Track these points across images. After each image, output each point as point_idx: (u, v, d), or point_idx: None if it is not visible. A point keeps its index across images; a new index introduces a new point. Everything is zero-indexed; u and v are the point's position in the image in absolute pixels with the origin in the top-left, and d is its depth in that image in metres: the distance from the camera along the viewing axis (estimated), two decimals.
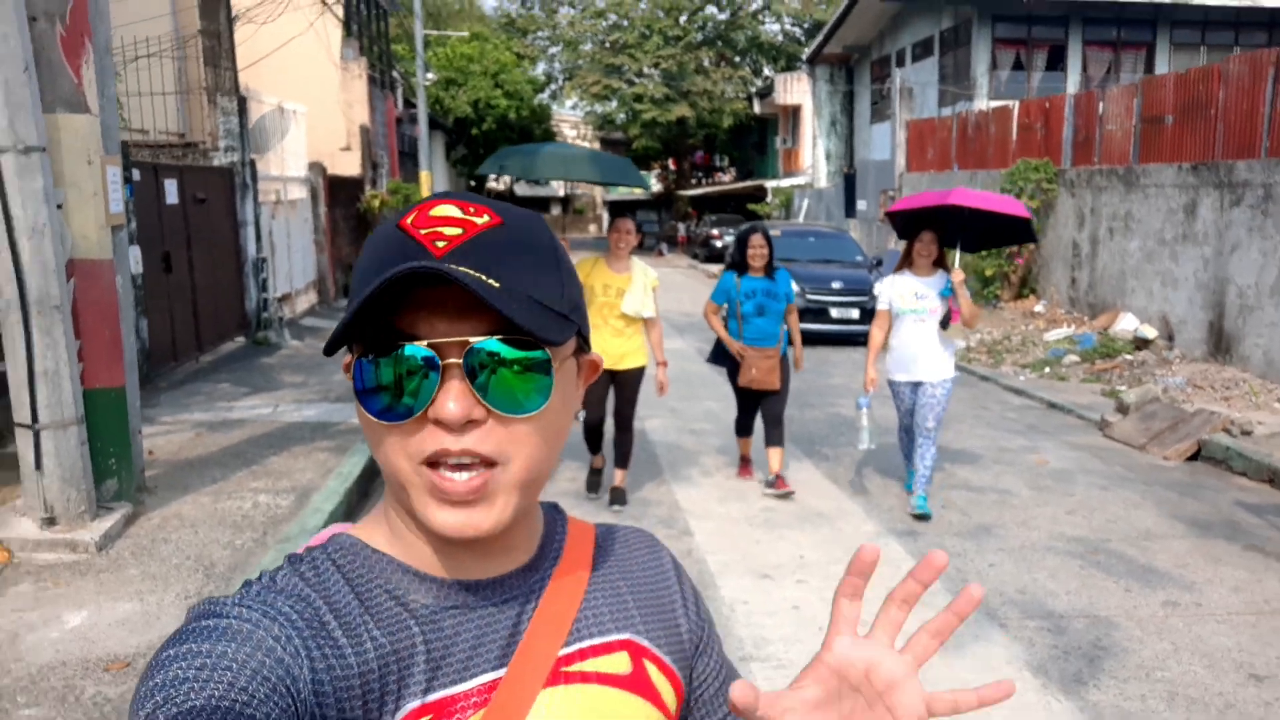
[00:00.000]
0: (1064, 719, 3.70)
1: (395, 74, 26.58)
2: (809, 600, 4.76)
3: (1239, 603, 4.81)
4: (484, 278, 0.72)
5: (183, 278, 9.96)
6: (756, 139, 40.82)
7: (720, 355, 6.45)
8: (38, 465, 4.94)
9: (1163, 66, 21.87)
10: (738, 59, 40.35)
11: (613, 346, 5.79)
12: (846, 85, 31.22)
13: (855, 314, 13.14)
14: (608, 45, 38.94)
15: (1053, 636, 4.41)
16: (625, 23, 38.46)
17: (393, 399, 0.74)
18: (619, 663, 0.86)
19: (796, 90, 33.86)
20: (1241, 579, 5.11)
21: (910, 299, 5.86)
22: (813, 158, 31.68)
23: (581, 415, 6.05)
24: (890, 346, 6.04)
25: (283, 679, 0.69)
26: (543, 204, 41.79)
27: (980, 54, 22.35)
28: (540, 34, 41.96)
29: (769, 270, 6.20)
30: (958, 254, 6.12)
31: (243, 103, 12.26)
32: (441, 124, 34.12)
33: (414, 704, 0.77)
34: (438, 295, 0.73)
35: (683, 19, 38.45)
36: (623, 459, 6.10)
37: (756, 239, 6.17)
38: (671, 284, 22.18)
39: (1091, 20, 22.10)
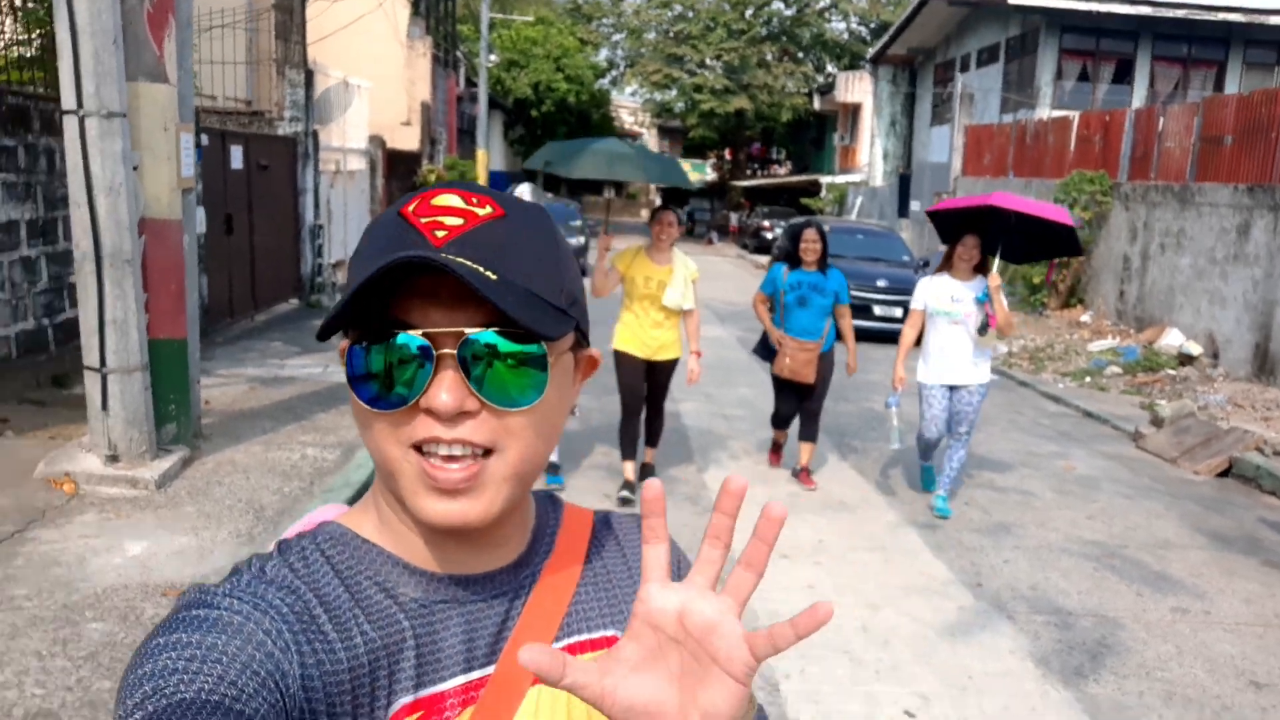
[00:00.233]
0: (1060, 708, 3.84)
1: (459, 53, 26.94)
2: (823, 581, 4.93)
3: (1248, 614, 4.89)
4: (482, 269, 0.72)
5: (243, 240, 10.33)
6: (814, 134, 40.67)
7: (763, 348, 6.48)
8: (104, 406, 5.26)
9: (1233, 86, 21.46)
10: (801, 55, 40.22)
11: (651, 338, 5.81)
12: (909, 87, 31.00)
13: (898, 312, 13.18)
14: (671, 35, 39.01)
15: (1059, 631, 4.53)
16: (690, 14, 38.50)
17: (385, 387, 0.73)
18: None
19: (858, 89, 33.67)
20: (1254, 591, 5.18)
21: (945, 301, 5.83)
22: (870, 156, 31.54)
23: (577, 413, 6.22)
24: (924, 349, 5.98)
25: (272, 673, 0.68)
26: (595, 187, 42.00)
27: (1046, 63, 22.09)
28: (605, 20, 42.16)
29: (822, 266, 6.18)
30: (997, 260, 5.96)
31: (309, 75, 12.62)
32: (501, 104, 34.49)
33: (405, 700, 0.77)
34: (434, 284, 0.73)
35: (748, 13, 38.39)
36: (653, 437, 6.20)
37: (810, 233, 6.19)
38: (718, 273, 22.29)
39: (1162, 36, 21.73)
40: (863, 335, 12.89)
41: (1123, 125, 14.91)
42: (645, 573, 0.68)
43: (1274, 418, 9.06)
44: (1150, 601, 4.96)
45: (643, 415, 6.07)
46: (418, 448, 0.74)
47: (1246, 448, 7.62)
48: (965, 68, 26.37)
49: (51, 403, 6.58)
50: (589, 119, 41.57)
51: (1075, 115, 16.76)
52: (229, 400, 7.12)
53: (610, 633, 0.88)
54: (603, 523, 0.95)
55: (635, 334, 5.82)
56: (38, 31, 6.91)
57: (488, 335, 0.73)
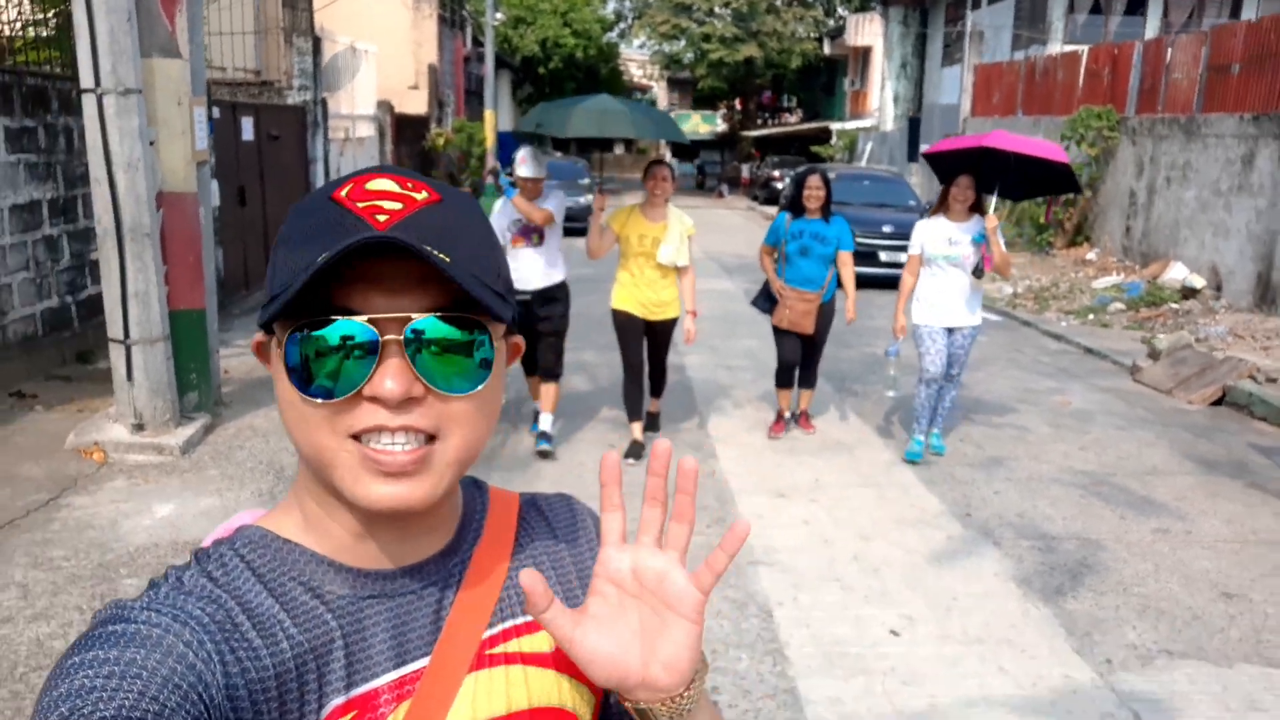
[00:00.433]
0: (1039, 624, 4.09)
1: (465, 13, 26.88)
2: (819, 517, 5.18)
3: (1228, 532, 5.11)
4: (434, 252, 0.71)
5: (255, 211, 10.57)
6: (825, 80, 40.30)
7: (762, 299, 6.42)
8: (129, 376, 5.54)
9: (1250, 13, 21.15)
10: None
11: (648, 297, 5.79)
12: (920, 27, 30.64)
13: (904, 258, 13.29)
14: None
15: (1042, 555, 4.77)
16: None
17: (328, 376, 0.72)
18: (543, 641, 0.86)
19: (868, 31, 33.31)
20: (1235, 512, 5.39)
21: (944, 244, 5.79)
22: (880, 100, 31.29)
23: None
24: (919, 293, 5.95)
25: (194, 686, 0.66)
26: (605, 144, 41.86)
27: None
28: None
29: (825, 214, 6.10)
30: (994, 199, 5.97)
31: (317, 43, 12.76)
32: (509, 63, 34.38)
33: (337, 701, 0.76)
34: (376, 270, 0.72)
35: None
36: (657, 389, 6.24)
37: (814, 180, 6.09)
38: (728, 225, 22.36)
39: None
40: (868, 281, 13.04)
41: (1131, 58, 14.83)
42: (604, 537, 0.76)
43: (1273, 347, 9.18)
44: (1133, 524, 5.19)
45: (645, 373, 6.08)
46: (356, 437, 0.73)
47: (1240, 376, 7.78)
48: (977, 4, 26.03)
49: (77, 377, 6.89)
50: (597, 74, 41.37)
51: (1084, 50, 16.64)
52: (246, 369, 7.41)
53: None
54: (530, 505, 0.95)
55: (632, 293, 5.82)
56: (52, 11, 7.12)
57: (433, 321, 0.72)
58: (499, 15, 33.75)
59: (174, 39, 5.18)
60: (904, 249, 13.21)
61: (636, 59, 50.40)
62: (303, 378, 0.73)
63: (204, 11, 10.64)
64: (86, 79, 4.84)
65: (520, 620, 0.86)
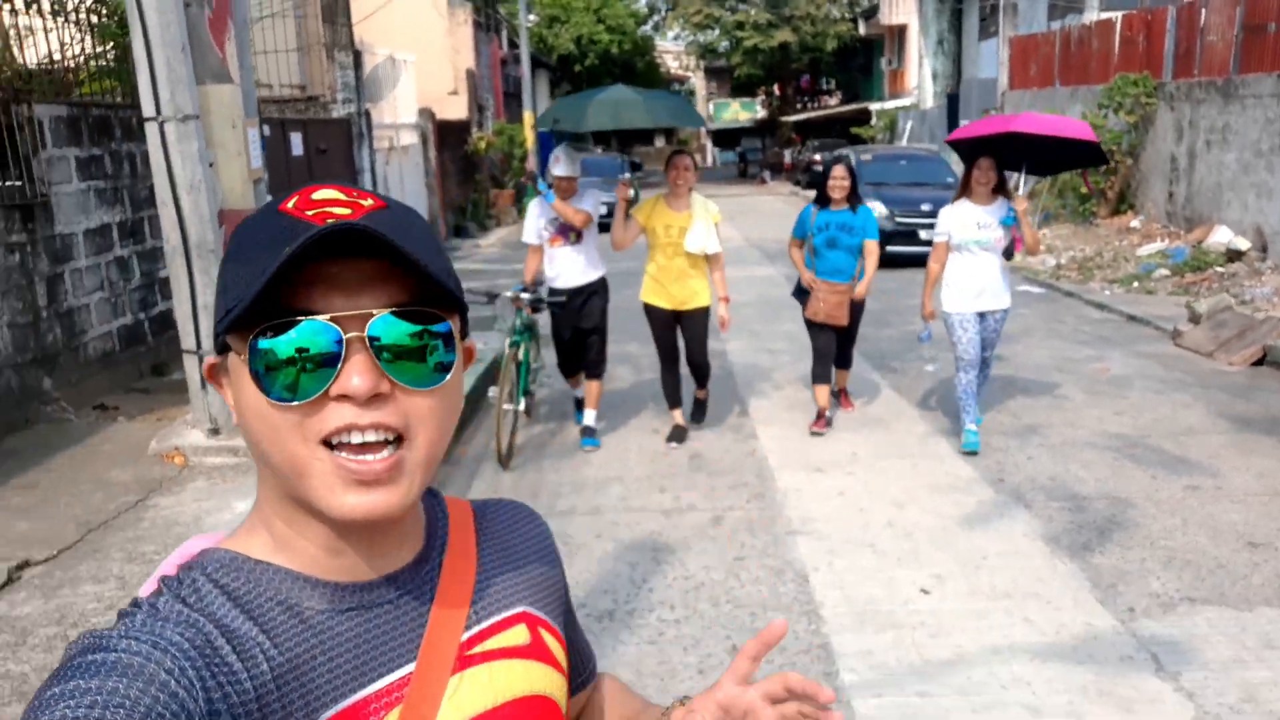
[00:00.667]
0: (1065, 578, 4.28)
1: (499, 15, 27.28)
2: (854, 488, 5.40)
3: (1259, 486, 5.23)
4: (399, 246, 0.71)
5: None
6: (862, 61, 40.09)
7: (800, 292, 6.38)
8: (203, 385, 5.93)
9: None
10: None
11: (676, 287, 5.80)
12: (955, 2, 30.42)
13: None
14: None
15: (1072, 514, 4.94)
16: None
17: (293, 378, 0.72)
18: (518, 635, 0.90)
19: (902, 9, 33.08)
20: (1268, 467, 5.50)
21: (972, 229, 5.70)
22: (919, 78, 31.09)
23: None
24: (947, 279, 5.83)
25: (177, 715, 0.66)
26: (646, 136, 42.10)
27: None
28: None
29: (851, 203, 6.06)
30: (1022, 178, 6.01)
31: (358, 56, 13.19)
32: (545, 62, 34.75)
33: (326, 714, 0.76)
34: (333, 270, 0.72)
35: None
36: (701, 381, 6.28)
37: (839, 169, 6.04)
38: (770, 211, 22.49)
39: None
40: (909, 260, 13.15)
41: (1165, 23, 14.69)
42: (732, 673, 0.89)
43: None
44: (1164, 483, 5.32)
45: (681, 365, 6.11)
46: (327, 443, 0.73)
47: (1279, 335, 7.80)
48: None
49: (154, 389, 7.33)
50: (634, 68, 41.58)
51: (1119, 17, 16.49)
52: None
53: (519, 609, 0.92)
54: (482, 511, 0.98)
55: (660, 285, 5.85)
56: (110, 44, 7.56)
57: (392, 318, 0.73)
58: (532, 17, 34.14)
59: (225, 65, 5.54)
60: None
61: (672, 50, 50.53)
62: (268, 384, 0.72)
63: (249, 34, 11.11)
64: (148, 108, 5.21)
65: (498, 617, 0.89)
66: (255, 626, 0.76)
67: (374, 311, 0.73)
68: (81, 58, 7.33)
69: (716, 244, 5.78)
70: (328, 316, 0.72)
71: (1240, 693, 3.38)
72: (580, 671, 1.06)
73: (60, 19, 6.84)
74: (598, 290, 6.02)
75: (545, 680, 0.90)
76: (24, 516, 4.94)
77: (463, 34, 20.45)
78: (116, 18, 7.33)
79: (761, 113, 45.87)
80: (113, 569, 4.38)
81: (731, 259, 14.06)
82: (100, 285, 7.17)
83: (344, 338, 0.72)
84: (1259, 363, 7.68)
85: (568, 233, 5.88)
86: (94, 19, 7.24)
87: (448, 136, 17.99)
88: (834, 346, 6.32)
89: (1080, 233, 14.50)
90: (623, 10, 40.95)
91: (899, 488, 5.38)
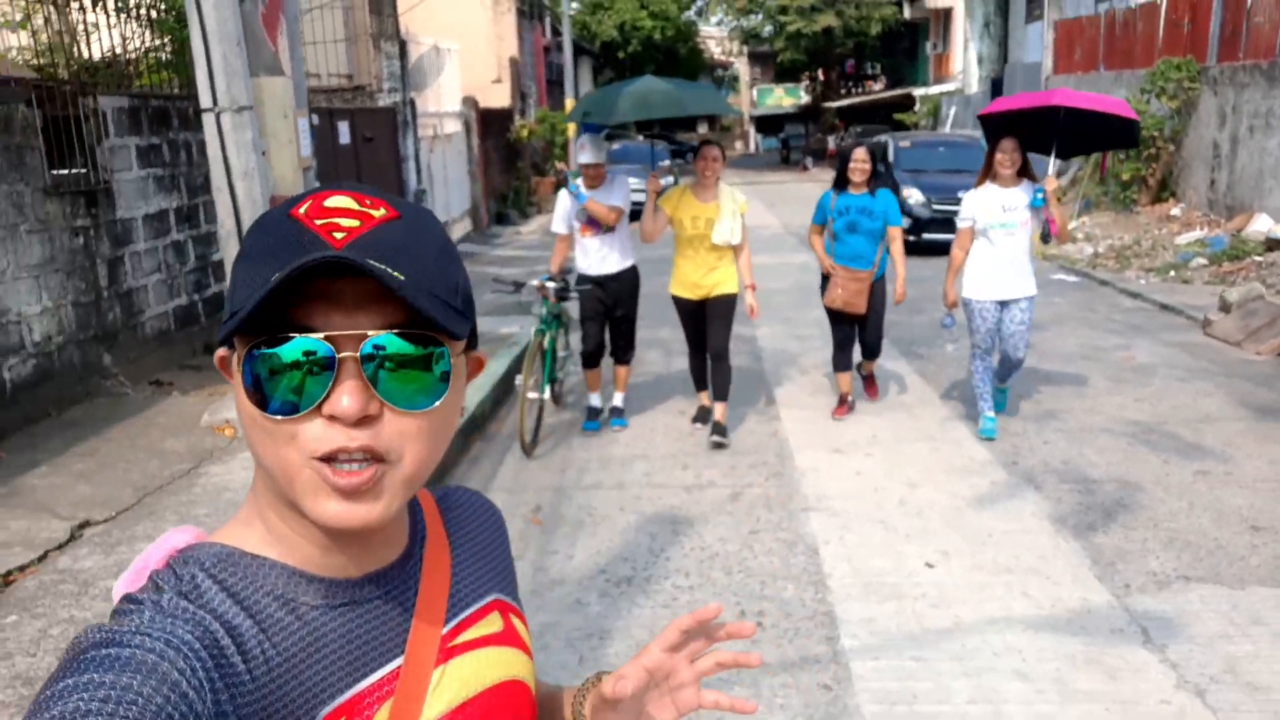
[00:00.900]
0: (1067, 555, 4.44)
1: (543, 1, 27.52)
2: (871, 469, 5.59)
3: (1270, 472, 5.33)
4: (389, 270, 0.72)
5: None
6: (907, 45, 39.75)
7: (824, 282, 6.36)
8: None
9: None
10: None
11: (701, 277, 5.81)
12: None
13: None
14: None
15: (1080, 496, 5.10)
16: None
17: (285, 392, 0.73)
18: (493, 623, 0.94)
19: None
20: None
21: (997, 212, 5.60)
22: (964, 62, 30.82)
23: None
24: (971, 264, 5.77)
25: (185, 716, 0.67)
26: (689, 123, 42.10)
27: None
28: None
29: (871, 188, 6.03)
30: (1051, 160, 5.89)
31: (403, 46, 13.50)
32: (588, 49, 34.95)
33: (326, 709, 0.78)
34: (334, 287, 0.73)
35: None
36: (721, 392, 6.00)
37: (860, 152, 6.00)
38: (809, 198, 22.29)
39: None
40: (947, 248, 13.18)
41: (1211, 6, 14.53)
42: (662, 640, 0.90)
43: None
44: (1175, 467, 5.45)
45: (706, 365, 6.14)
46: (318, 459, 0.74)
47: None
48: None
49: (206, 367, 7.70)
50: (676, 54, 41.63)
51: (1164, 0, 16.32)
52: None
53: (492, 598, 0.96)
54: (443, 500, 1.01)
55: (687, 276, 5.88)
56: (168, 38, 7.92)
57: (389, 338, 0.74)
58: (575, 4, 34.32)
59: (277, 58, 5.84)
60: None
61: (715, 36, 50.43)
62: (262, 395, 0.74)
63: (299, 27, 11.47)
64: (205, 100, 5.51)
65: (475, 607, 0.93)
66: (255, 623, 0.78)
67: (369, 332, 0.74)
68: (141, 51, 7.69)
69: (740, 234, 5.77)
70: (322, 335, 0.73)
71: (1222, 664, 3.54)
72: None
73: (123, 15, 7.19)
74: (628, 279, 6.11)
75: (518, 665, 0.94)
76: (84, 481, 5.30)
77: (506, 22, 20.71)
78: (174, 13, 7.67)
79: (805, 98, 45.66)
80: (167, 529, 4.68)
81: (769, 246, 14.31)
82: (157, 268, 7.55)
83: (337, 357, 0.73)
84: None
85: (598, 223, 5.97)
86: (154, 14, 7.59)
87: (491, 124, 18.29)
88: (853, 335, 6.36)
89: (1120, 220, 14.43)
90: None
91: (915, 469, 5.56)
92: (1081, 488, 5.21)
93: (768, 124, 47.95)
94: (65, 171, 6.48)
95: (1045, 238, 5.76)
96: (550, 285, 6.00)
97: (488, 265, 13.42)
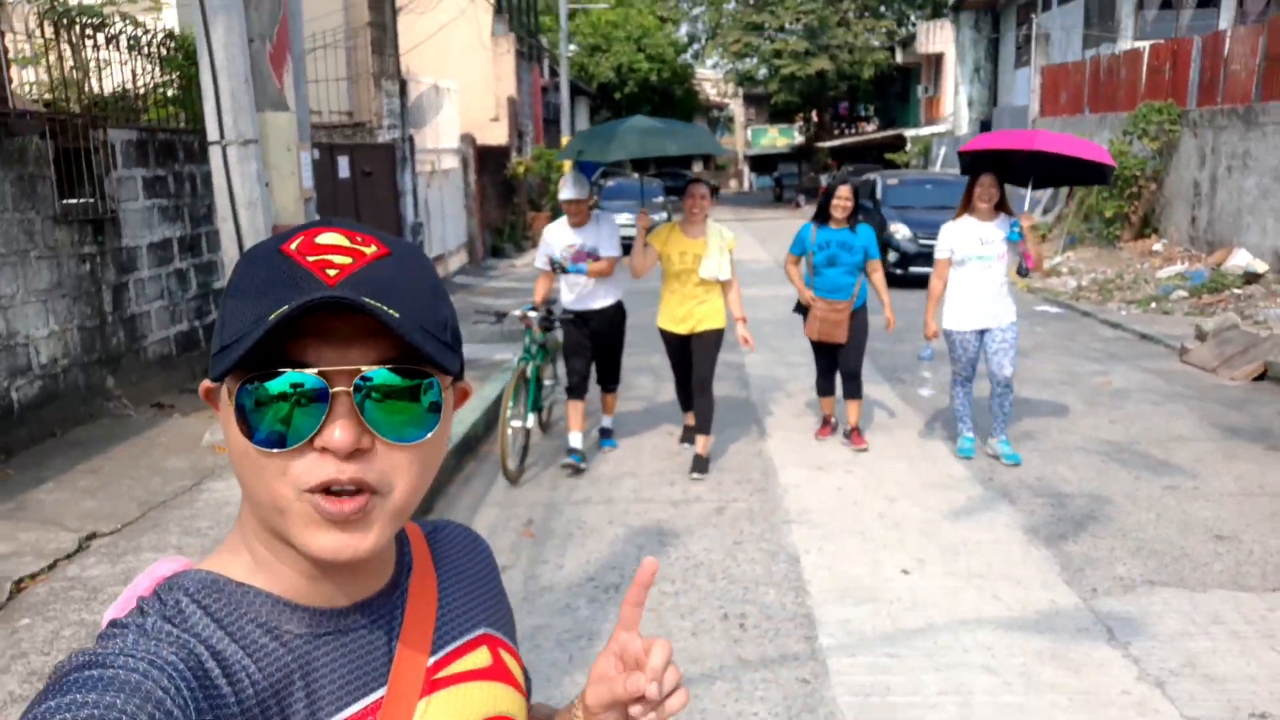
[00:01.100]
0: (1038, 562, 4.62)
1: (542, 43, 28.06)
2: (851, 485, 5.77)
3: (1235, 487, 5.52)
4: (384, 308, 0.73)
5: None
6: (899, 88, 40.46)
7: (801, 308, 6.52)
8: None
9: None
10: (882, 8, 40.07)
11: (688, 312, 5.88)
12: (992, 31, 30.76)
13: None
14: (751, 3, 39.36)
15: (1053, 509, 5.28)
16: None
17: (273, 423, 0.74)
18: (481, 658, 0.93)
19: (939, 38, 33.49)
20: (1248, 470, 5.79)
21: (975, 245, 5.72)
22: (954, 105, 31.44)
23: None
24: (949, 295, 5.89)
25: None
26: (685, 162, 42.67)
27: None
28: None
29: (851, 223, 6.15)
30: (1028, 194, 6.01)
31: (404, 85, 13.84)
32: (585, 90, 35.53)
33: None
34: (326, 324, 0.74)
35: None
36: (704, 425, 6.04)
37: (844, 190, 6.14)
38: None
39: None
40: (927, 282, 13.48)
41: (1190, 53, 14.97)
42: (624, 622, 0.88)
43: None
44: (1145, 483, 5.64)
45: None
46: (309, 490, 0.75)
47: None
48: (1047, 6, 26.11)
49: None
50: (672, 95, 42.32)
51: (1146, 47, 16.79)
52: None
53: (479, 632, 0.95)
54: (432, 533, 1.01)
55: (673, 310, 5.95)
56: (176, 74, 8.19)
57: (382, 373, 0.75)
58: (573, 47, 34.97)
59: (282, 95, 6.09)
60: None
61: (711, 78, 51.24)
62: (254, 429, 0.75)
63: (304, 66, 11.79)
64: (213, 133, 5.76)
65: (459, 642, 0.92)
66: (239, 649, 0.78)
67: (361, 368, 0.75)
68: (149, 85, 7.96)
69: (729, 270, 5.84)
70: (315, 370, 0.74)
71: (1181, 659, 3.71)
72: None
73: (134, 52, 7.46)
74: (611, 314, 6.13)
75: (508, 701, 0.93)
76: (90, 496, 5.47)
77: (505, 62, 21.14)
78: (183, 50, 7.95)
79: (799, 139, 46.36)
80: (171, 540, 4.88)
81: (760, 279, 14.57)
82: (160, 294, 7.76)
83: (329, 391, 0.74)
84: (1260, 378, 7.93)
85: (584, 259, 5.98)
86: (164, 51, 7.87)
87: (488, 161, 18.62)
88: (834, 366, 6.48)
89: (1104, 255, 14.73)
90: (663, 40, 41.75)
91: (894, 485, 5.74)
92: (1054, 501, 5.39)
93: (762, 163, 48.63)
94: (74, 201, 6.71)
95: (1022, 271, 5.88)
96: (533, 315, 6.00)
97: (482, 297, 13.65)
